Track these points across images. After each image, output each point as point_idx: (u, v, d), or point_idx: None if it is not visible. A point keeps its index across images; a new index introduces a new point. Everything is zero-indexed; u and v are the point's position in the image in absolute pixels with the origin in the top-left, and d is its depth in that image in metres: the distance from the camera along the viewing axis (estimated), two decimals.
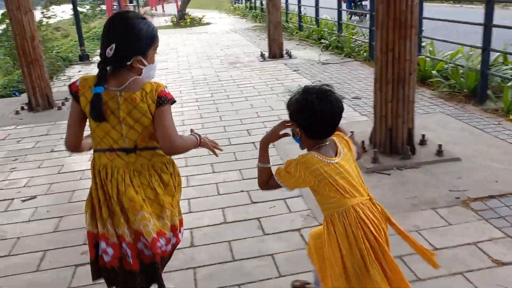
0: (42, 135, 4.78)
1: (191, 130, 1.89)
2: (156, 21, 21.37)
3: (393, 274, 1.50)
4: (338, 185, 1.50)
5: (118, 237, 1.68)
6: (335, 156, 1.54)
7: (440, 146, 3.49)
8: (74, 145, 1.75)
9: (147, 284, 1.74)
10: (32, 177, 3.67)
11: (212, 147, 1.87)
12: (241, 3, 24.07)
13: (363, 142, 3.63)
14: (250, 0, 20.48)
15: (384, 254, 1.50)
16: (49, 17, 10.08)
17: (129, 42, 1.62)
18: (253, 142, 4.14)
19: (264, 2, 16.80)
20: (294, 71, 7.39)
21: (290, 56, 8.71)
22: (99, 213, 1.71)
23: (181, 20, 18.19)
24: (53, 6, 9.94)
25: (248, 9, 20.13)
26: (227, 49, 10.54)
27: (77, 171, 3.72)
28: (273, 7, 8.55)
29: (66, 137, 1.75)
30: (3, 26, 11.52)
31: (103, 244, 1.70)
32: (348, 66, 7.50)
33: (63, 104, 6.04)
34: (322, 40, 9.60)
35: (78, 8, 22.97)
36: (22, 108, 5.97)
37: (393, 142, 3.53)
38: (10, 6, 5.50)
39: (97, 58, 10.04)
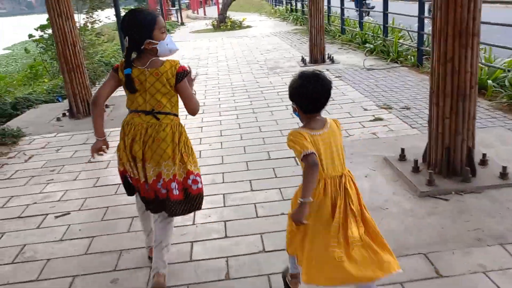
0: (81, 144, 4.74)
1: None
2: (198, 24, 21.52)
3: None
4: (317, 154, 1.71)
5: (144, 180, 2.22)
6: (323, 130, 1.78)
7: (504, 168, 3.12)
8: (98, 97, 2.30)
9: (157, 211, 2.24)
10: (68, 190, 3.60)
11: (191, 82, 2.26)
12: (282, 6, 23.84)
13: (416, 161, 3.31)
14: (291, 2, 20.22)
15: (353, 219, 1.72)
16: (93, 22, 10.24)
17: (134, 31, 2.09)
18: (294, 157, 3.89)
19: (305, 5, 16.50)
20: (337, 77, 7.07)
21: (332, 61, 8.40)
22: (126, 157, 2.25)
23: (222, 23, 18.19)
24: (97, 11, 10.07)
25: (288, 12, 19.87)
26: (267, 53, 10.34)
27: (113, 184, 3.62)
28: (316, 10, 8.27)
29: (96, 91, 2.30)
30: (51, 30, 11.90)
31: (139, 183, 2.24)
32: (395, 72, 7.10)
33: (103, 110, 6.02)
34: (366, 44, 9.21)
35: (124, 13, 23.60)
36: (64, 115, 6.01)
37: (451, 162, 3.19)
38: (51, 12, 5.53)
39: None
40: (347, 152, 3.91)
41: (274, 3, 27.08)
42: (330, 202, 1.72)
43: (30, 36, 12.23)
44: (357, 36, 10.13)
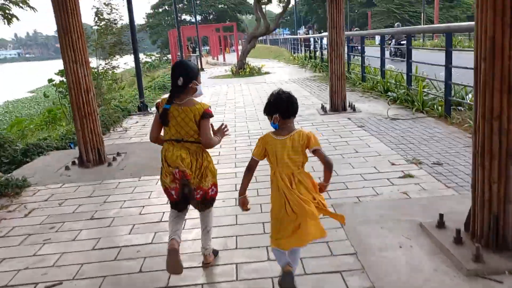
0: (86, 197, 4.43)
1: (222, 126, 2.88)
2: (217, 70, 21.75)
3: (298, 209, 2.33)
4: (271, 154, 2.40)
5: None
6: (283, 136, 2.38)
7: None
8: (153, 137, 2.83)
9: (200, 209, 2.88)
10: (64, 252, 3.24)
11: (223, 134, 2.87)
12: (300, 53, 24.05)
13: (458, 230, 2.87)
14: (309, 49, 20.33)
15: (299, 208, 2.33)
16: (112, 68, 10.27)
17: (188, 74, 2.68)
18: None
19: (324, 52, 16.50)
20: (359, 127, 6.73)
21: (354, 109, 8.09)
22: (170, 175, 2.70)
23: (241, 70, 18.29)
24: (117, 57, 10.11)
25: (307, 59, 19.94)
26: None
27: (114, 247, 3.25)
28: (336, 57, 8.07)
29: (149, 132, 2.84)
30: None
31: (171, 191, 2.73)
32: (421, 122, 6.73)
33: (114, 159, 5.76)
34: (389, 93, 8.92)
35: (145, 58, 24.07)
36: (73, 163, 5.76)
37: (500, 233, 2.74)
38: (66, 58, 5.41)
39: (154, 109, 9.99)
40: (376, 213, 3.49)
41: (292, 50, 27.40)
42: (284, 193, 2.39)
43: (50, 80, 12.39)
44: (378, 84, 9.87)
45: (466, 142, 5.38)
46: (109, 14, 10.09)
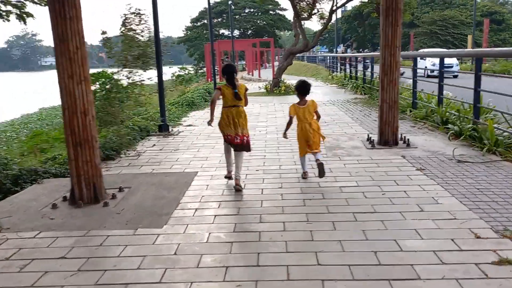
0: (58, 258, 3.33)
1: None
2: (251, 87, 20.73)
3: (315, 140, 5.09)
4: (298, 114, 5.07)
5: (236, 134, 4.81)
6: (303, 105, 5.07)
7: None
8: (213, 100, 4.92)
9: (243, 150, 4.95)
10: None
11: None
12: (339, 72, 22.76)
13: None
14: (350, 69, 19.02)
15: (305, 136, 5.10)
16: (133, 83, 9.32)
17: (233, 70, 4.94)
18: None
19: (368, 72, 15.18)
20: (418, 170, 5.41)
21: (407, 144, 6.76)
22: (229, 126, 4.80)
23: (275, 88, 17.17)
24: (140, 71, 9.17)
25: (347, 79, 18.62)
26: (325, 126, 8.88)
27: None
28: (389, 83, 6.79)
29: (212, 97, 4.97)
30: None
31: (234, 138, 4.81)
32: (498, 169, 5.33)
33: (113, 197, 4.70)
34: (449, 126, 7.52)
35: (178, 72, 23.37)
36: (64, 199, 4.73)
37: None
38: (61, 72, 4.41)
39: (177, 129, 8.96)
40: None
41: (331, 69, 26.11)
42: (305, 129, 5.03)
43: None
44: (434, 114, 8.48)
45: None
46: (137, 25, 9.18)
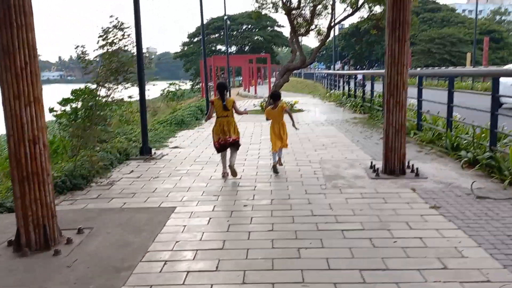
0: None
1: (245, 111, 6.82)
2: (246, 104, 20.03)
3: (282, 133, 6.44)
4: (270, 116, 6.50)
5: (225, 138, 6.07)
6: (274, 108, 6.40)
7: None
8: (209, 116, 6.48)
9: (233, 147, 6.20)
10: None
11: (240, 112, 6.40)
12: (337, 90, 22.13)
13: None
14: (349, 87, 18.38)
15: (281, 131, 6.43)
16: (113, 101, 8.54)
17: (226, 86, 6.59)
18: None
19: (367, 90, 14.50)
20: (432, 207, 4.63)
21: (417, 174, 5.99)
22: (219, 133, 6.07)
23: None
24: (119, 87, 8.41)
25: (346, 97, 17.95)
26: (323, 150, 8.13)
27: None
28: (395, 104, 6.05)
29: (207, 115, 6.56)
30: (75, 104, 10.43)
31: (223, 140, 6.07)
32: None
33: (68, 241, 3.89)
34: (461, 152, 6.75)
35: (171, 87, 22.56)
36: (10, 243, 3.91)
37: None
38: (5, 92, 3.64)
39: (161, 152, 8.16)
40: None
41: (328, 86, 25.49)
42: (276, 128, 6.39)
43: (51, 110, 10.81)
44: (442, 138, 7.74)
45: None
46: (120, 39, 8.45)
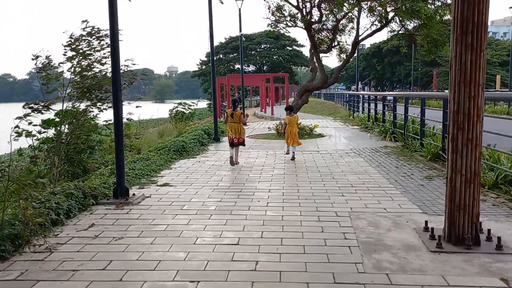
0: None
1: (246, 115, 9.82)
2: (261, 127, 18.24)
3: (295, 139, 9.57)
4: (288, 123, 9.62)
5: (235, 137, 8.94)
6: (291, 116, 9.72)
7: None
8: (225, 122, 9.26)
9: (239, 145, 9.12)
10: None
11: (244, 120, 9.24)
12: (361, 112, 20.17)
13: None
14: (376, 109, 16.40)
15: (292, 134, 9.53)
16: (89, 124, 6.85)
17: (237, 101, 9.47)
18: None
19: (399, 112, 12.51)
20: None
21: (498, 245, 4.02)
22: (231, 133, 8.94)
23: None
24: (93, 109, 6.72)
25: (372, 121, 15.98)
26: (352, 194, 6.20)
27: None
28: (466, 142, 4.13)
29: (224, 119, 9.34)
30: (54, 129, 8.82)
31: (234, 139, 8.94)
32: None
33: None
34: None
35: (179, 107, 20.89)
36: None
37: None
38: None
39: (141, 194, 6.34)
40: None
41: (351, 108, 23.48)
42: (294, 130, 9.55)
43: (28, 135, 9.14)
44: None
45: None
46: (98, 50, 6.81)
